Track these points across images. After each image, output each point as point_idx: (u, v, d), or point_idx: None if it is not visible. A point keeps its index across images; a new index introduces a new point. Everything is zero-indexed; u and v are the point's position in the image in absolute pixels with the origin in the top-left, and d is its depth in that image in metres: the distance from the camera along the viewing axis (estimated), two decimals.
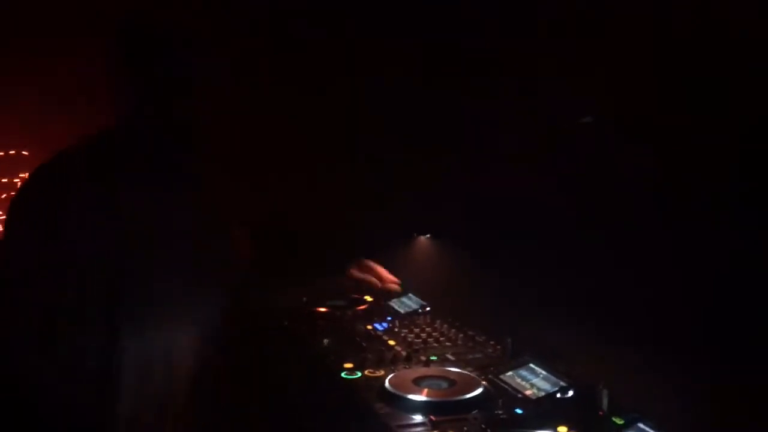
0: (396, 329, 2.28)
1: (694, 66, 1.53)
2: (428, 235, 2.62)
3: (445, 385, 1.81)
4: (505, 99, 2.10)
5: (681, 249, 1.62)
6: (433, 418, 1.61)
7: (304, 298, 2.56)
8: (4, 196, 3.71)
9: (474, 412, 1.68)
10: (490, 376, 1.89)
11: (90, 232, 1.47)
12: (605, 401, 1.65)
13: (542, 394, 1.77)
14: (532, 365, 1.92)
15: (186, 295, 1.53)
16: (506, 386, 1.84)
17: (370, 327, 2.32)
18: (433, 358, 2.03)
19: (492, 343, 2.15)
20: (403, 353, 2.05)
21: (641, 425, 1.55)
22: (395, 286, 2.38)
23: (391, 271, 2.44)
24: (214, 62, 1.69)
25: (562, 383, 1.79)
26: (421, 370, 1.90)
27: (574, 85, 1.85)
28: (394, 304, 2.55)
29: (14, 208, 1.58)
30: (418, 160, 2.36)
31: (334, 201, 2.55)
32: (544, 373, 1.87)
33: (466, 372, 1.89)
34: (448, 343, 2.15)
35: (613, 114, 1.78)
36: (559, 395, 1.75)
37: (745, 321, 1.45)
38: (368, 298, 2.61)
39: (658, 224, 1.70)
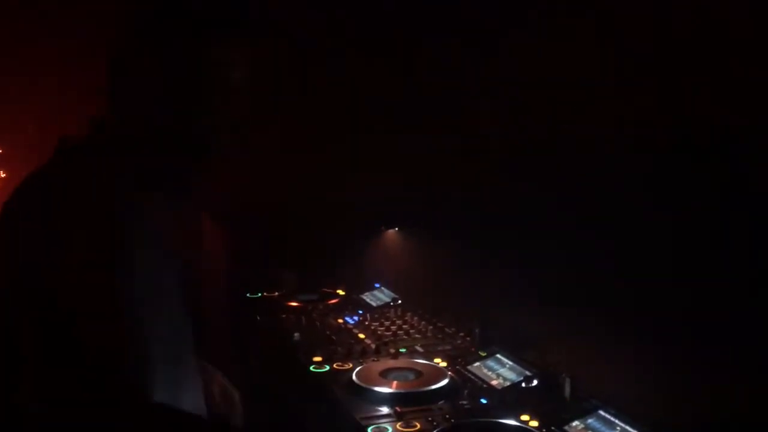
0: (366, 322, 2.30)
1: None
2: (396, 228, 2.63)
3: (411, 376, 1.83)
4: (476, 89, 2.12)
5: (642, 241, 1.64)
6: (398, 409, 1.63)
7: (276, 292, 2.58)
8: None
9: (440, 402, 1.70)
10: (457, 367, 1.91)
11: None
12: (568, 389, 1.68)
13: (508, 383, 1.79)
14: (499, 356, 1.94)
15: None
16: (473, 376, 1.86)
17: (341, 320, 2.33)
18: (402, 350, 2.04)
19: (461, 334, 2.17)
20: (372, 346, 2.06)
21: (602, 412, 1.58)
22: None
23: (361, 265, 2.46)
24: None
25: (527, 373, 1.81)
26: (389, 363, 1.92)
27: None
28: (366, 297, 2.57)
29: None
30: (384, 152, 2.36)
31: (302, 197, 2.56)
32: (510, 363, 1.89)
33: (432, 363, 1.91)
34: (417, 335, 2.17)
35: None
36: (524, 384, 1.78)
37: (705, 312, 1.48)
38: (340, 292, 2.63)
39: (624, 217, 1.72)
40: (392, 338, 2.14)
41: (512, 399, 1.71)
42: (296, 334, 2.16)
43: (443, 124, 2.23)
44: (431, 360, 1.95)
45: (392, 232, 2.66)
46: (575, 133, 1.79)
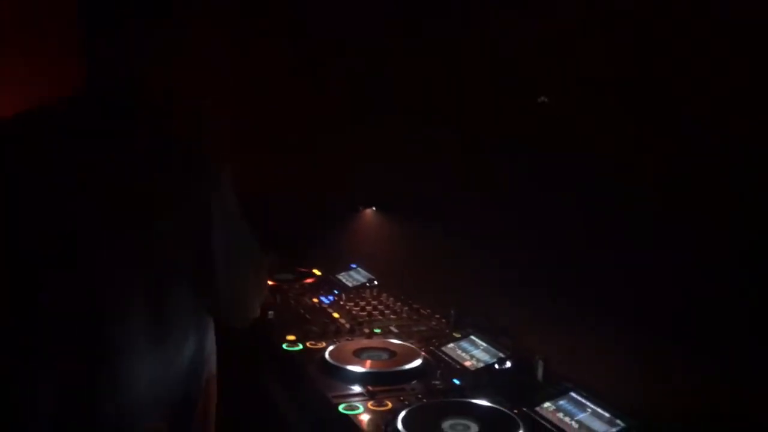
0: (342, 302, 2.28)
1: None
2: (373, 208, 2.61)
3: (385, 356, 1.81)
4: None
5: (617, 230, 1.64)
6: (370, 388, 1.62)
7: None
8: None
9: (413, 382, 1.69)
10: (431, 348, 1.90)
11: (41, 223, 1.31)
12: (540, 371, 1.68)
13: (481, 365, 1.79)
14: (473, 337, 1.93)
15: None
16: (447, 358, 1.85)
17: (316, 300, 2.31)
18: (377, 330, 2.03)
19: (437, 316, 2.16)
20: (347, 326, 2.05)
21: (573, 394, 1.58)
22: None
23: (338, 246, 2.43)
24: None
25: (501, 354, 1.81)
26: (363, 342, 1.90)
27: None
28: (342, 277, 2.55)
29: None
30: (363, 134, 2.34)
31: (277, 176, 2.52)
32: (484, 344, 1.89)
33: (406, 344, 1.90)
34: (392, 316, 2.16)
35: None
36: (497, 366, 1.77)
37: (672, 297, 1.48)
38: (316, 272, 2.61)
39: (599, 203, 1.71)
40: (367, 318, 2.13)
41: (485, 380, 1.70)
42: (270, 312, 2.13)
43: (423, 107, 2.21)
44: (406, 341, 1.94)
45: (370, 212, 2.64)
46: (561, 115, 1.78)
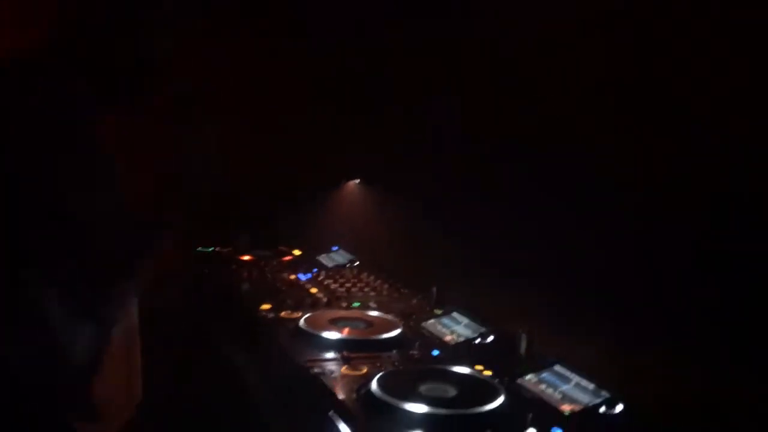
0: (320, 278, 2.21)
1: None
2: (357, 181, 2.55)
3: (362, 326, 1.74)
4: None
5: (595, 208, 1.60)
6: (345, 354, 1.54)
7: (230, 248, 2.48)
8: None
9: (391, 352, 1.62)
10: (411, 323, 1.83)
11: None
12: (524, 345, 1.61)
13: (462, 339, 1.72)
14: (455, 314, 1.86)
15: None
16: (427, 333, 1.78)
17: (293, 276, 2.24)
18: (356, 304, 1.96)
19: (420, 296, 2.09)
20: (324, 299, 1.97)
21: (557, 368, 1.51)
22: None
23: (320, 227, 2.38)
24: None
25: (482, 329, 1.74)
26: (340, 313, 1.83)
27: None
28: (323, 258, 2.48)
29: None
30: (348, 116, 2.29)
31: (259, 149, 2.46)
32: (466, 320, 1.82)
33: (385, 316, 1.83)
34: (372, 293, 2.09)
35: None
36: (478, 341, 1.71)
37: (651, 275, 1.44)
38: (296, 252, 2.53)
39: (581, 187, 1.67)
40: (346, 294, 2.06)
41: (465, 353, 1.63)
42: (246, 285, 2.06)
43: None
44: (384, 314, 1.86)
45: (354, 187, 2.57)
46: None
